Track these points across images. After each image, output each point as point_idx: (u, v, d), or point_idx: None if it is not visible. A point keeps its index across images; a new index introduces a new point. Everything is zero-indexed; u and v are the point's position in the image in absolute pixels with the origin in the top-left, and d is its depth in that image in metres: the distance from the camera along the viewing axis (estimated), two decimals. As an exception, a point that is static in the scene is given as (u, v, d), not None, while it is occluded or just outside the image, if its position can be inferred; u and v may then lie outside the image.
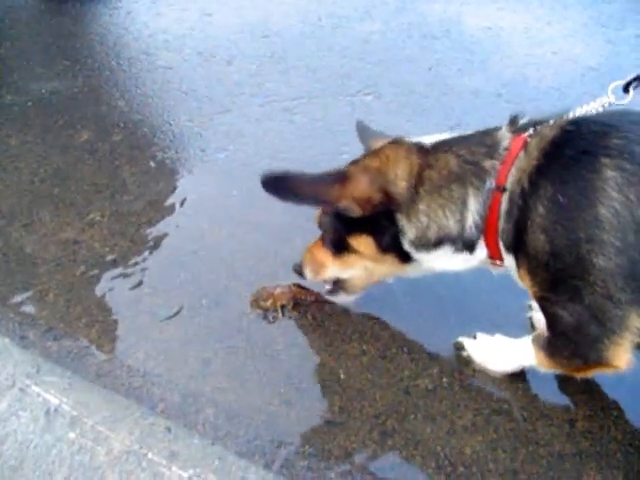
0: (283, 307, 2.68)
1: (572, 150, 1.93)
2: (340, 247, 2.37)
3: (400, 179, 2.15)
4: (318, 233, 2.47)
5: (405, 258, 2.27)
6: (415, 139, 2.24)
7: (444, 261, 2.24)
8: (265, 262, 2.92)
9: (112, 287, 2.85)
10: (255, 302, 2.71)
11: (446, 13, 5.11)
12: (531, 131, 2.05)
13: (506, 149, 2.05)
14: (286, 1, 5.33)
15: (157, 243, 3.06)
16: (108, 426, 2.26)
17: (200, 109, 4.04)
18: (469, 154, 2.10)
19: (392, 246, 2.24)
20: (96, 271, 2.93)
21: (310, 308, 2.68)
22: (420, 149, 2.18)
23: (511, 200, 2.00)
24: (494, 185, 2.03)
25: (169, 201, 3.31)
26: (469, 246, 2.15)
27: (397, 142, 2.27)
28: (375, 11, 5.13)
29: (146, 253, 3.01)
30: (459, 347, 2.51)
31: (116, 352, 2.58)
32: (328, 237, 2.41)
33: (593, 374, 2.23)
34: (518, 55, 4.51)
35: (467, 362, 2.46)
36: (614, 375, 2.21)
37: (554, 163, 1.95)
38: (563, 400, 2.32)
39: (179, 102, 4.14)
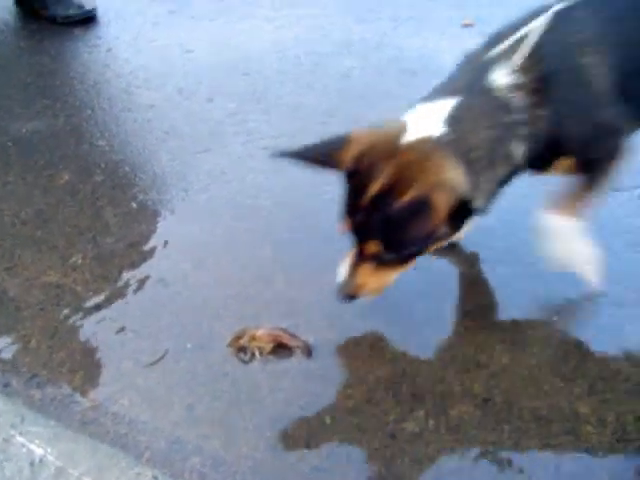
0: (262, 349, 2.67)
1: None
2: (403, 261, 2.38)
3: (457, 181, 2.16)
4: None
5: None
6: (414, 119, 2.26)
7: None
8: (250, 303, 2.91)
9: (95, 332, 2.83)
10: (234, 341, 2.70)
11: (424, 48, 5.15)
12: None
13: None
14: (266, 39, 5.35)
15: (140, 286, 3.05)
16: (94, 476, 2.24)
17: (182, 148, 4.04)
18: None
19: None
20: (79, 315, 2.91)
21: (294, 352, 2.68)
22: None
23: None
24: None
25: (151, 243, 3.30)
26: None
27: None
28: (354, 47, 5.16)
29: (129, 296, 2.99)
30: None
31: (101, 399, 2.56)
32: (390, 258, 2.32)
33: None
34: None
35: (452, 404, 2.46)
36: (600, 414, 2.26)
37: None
38: (548, 442, 2.32)
39: (160, 141, 4.14)
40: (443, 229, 2.18)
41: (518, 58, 2.29)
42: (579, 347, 2.63)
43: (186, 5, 6.08)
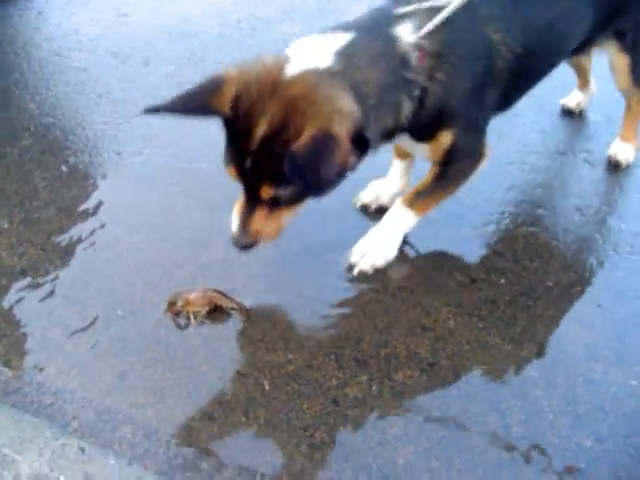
0: (196, 313, 2.55)
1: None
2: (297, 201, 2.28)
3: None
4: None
5: None
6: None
7: None
8: (184, 268, 2.79)
9: (21, 298, 2.69)
10: (169, 307, 2.58)
11: (368, 15, 5.04)
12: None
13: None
14: (204, 2, 5.18)
15: (69, 251, 2.90)
16: (15, 448, 2.12)
17: (115, 112, 3.87)
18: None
19: None
20: (3, 282, 2.76)
21: (231, 316, 2.56)
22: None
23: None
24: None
25: (82, 207, 3.15)
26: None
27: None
28: (296, 13, 5.03)
29: (57, 262, 2.84)
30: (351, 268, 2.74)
31: (25, 368, 2.42)
32: (287, 200, 2.22)
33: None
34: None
35: (397, 368, 2.37)
36: (548, 380, 2.22)
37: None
38: (497, 406, 2.24)
39: (93, 104, 3.96)
40: (352, 158, 2.08)
41: (426, 21, 2.27)
42: (527, 309, 2.56)
43: (122, -31, 5.87)
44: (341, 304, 2.62)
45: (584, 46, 2.93)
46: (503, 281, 2.68)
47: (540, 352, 2.41)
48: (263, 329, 2.52)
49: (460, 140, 2.49)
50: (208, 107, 2.10)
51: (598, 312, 2.56)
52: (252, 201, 2.24)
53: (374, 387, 2.32)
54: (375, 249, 2.75)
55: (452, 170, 2.63)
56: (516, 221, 2.94)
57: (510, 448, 2.12)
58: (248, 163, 2.10)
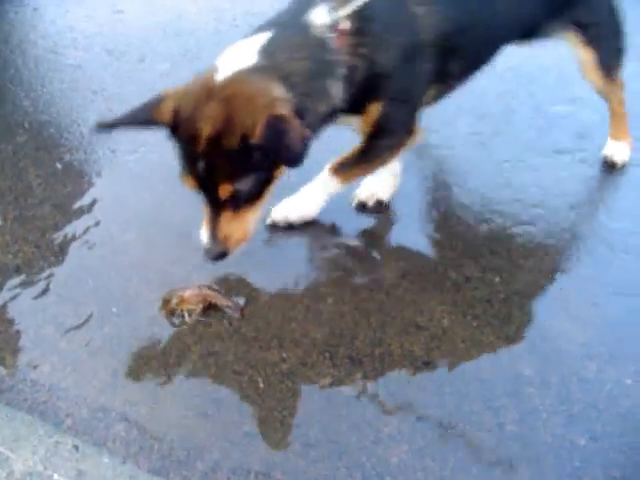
0: (191, 311, 2.55)
1: None
2: (257, 195, 2.35)
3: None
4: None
5: None
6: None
7: None
8: (178, 265, 2.78)
9: (15, 295, 2.68)
10: (163, 305, 2.58)
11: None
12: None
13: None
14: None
15: (64, 249, 2.89)
16: (8, 446, 2.11)
17: (110, 109, 3.86)
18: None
19: None
20: (-3, 278, 2.76)
21: (225, 314, 2.56)
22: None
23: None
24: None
25: (77, 204, 3.14)
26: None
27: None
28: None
29: (52, 259, 2.84)
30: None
31: (19, 365, 2.42)
32: (247, 193, 2.30)
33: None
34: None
35: (391, 366, 2.37)
36: (542, 378, 2.22)
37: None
38: (491, 404, 2.24)
39: (88, 102, 3.95)
40: (307, 131, 2.14)
41: (343, 1, 2.33)
42: (521, 308, 2.56)
43: (117, -34, 5.85)
44: (336, 302, 2.61)
45: (536, 32, 2.93)
46: (498, 280, 2.68)
47: (534, 351, 2.40)
48: (257, 327, 2.51)
49: (389, 112, 2.56)
50: (152, 120, 2.26)
51: (593, 310, 2.55)
52: (215, 207, 2.32)
53: (368, 385, 2.31)
54: (294, 205, 2.94)
55: (380, 144, 2.70)
56: (511, 220, 2.94)
57: (504, 447, 2.12)
58: (201, 167, 2.18)
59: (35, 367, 2.41)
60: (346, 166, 2.76)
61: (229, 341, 2.47)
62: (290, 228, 2.93)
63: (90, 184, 3.28)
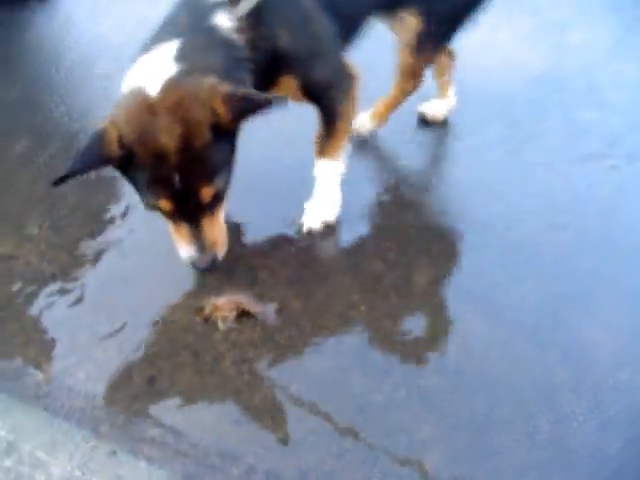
0: (224, 318, 2.57)
1: None
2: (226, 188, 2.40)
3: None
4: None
5: None
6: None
7: None
8: (211, 274, 2.81)
9: (51, 303, 2.73)
10: (197, 312, 2.61)
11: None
12: None
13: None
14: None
15: (98, 257, 2.93)
16: (47, 451, 2.14)
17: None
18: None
19: None
20: (33, 287, 2.80)
21: (259, 321, 2.58)
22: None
23: None
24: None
25: (110, 213, 3.18)
26: None
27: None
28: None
29: (87, 267, 2.88)
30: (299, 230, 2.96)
31: (55, 372, 2.46)
32: (223, 189, 2.35)
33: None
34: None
35: (423, 375, 2.38)
36: (573, 386, 2.25)
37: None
38: (523, 409, 2.25)
39: (119, 111, 3.99)
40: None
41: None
42: (553, 315, 2.55)
43: (146, -25, 5.91)
44: (367, 309, 2.63)
45: (392, 7, 2.91)
46: (528, 287, 2.67)
47: (566, 358, 2.40)
48: (290, 334, 2.54)
49: (314, 76, 2.59)
50: (103, 157, 2.15)
51: (625, 318, 2.54)
52: (193, 217, 2.33)
53: (400, 393, 2.33)
54: (321, 205, 2.96)
55: (330, 106, 2.71)
56: (542, 226, 2.93)
57: (536, 454, 2.13)
58: (176, 181, 2.16)
59: (71, 374, 2.45)
60: (324, 144, 2.79)
61: (262, 348, 2.49)
62: (324, 232, 2.95)
63: (123, 193, 3.32)
